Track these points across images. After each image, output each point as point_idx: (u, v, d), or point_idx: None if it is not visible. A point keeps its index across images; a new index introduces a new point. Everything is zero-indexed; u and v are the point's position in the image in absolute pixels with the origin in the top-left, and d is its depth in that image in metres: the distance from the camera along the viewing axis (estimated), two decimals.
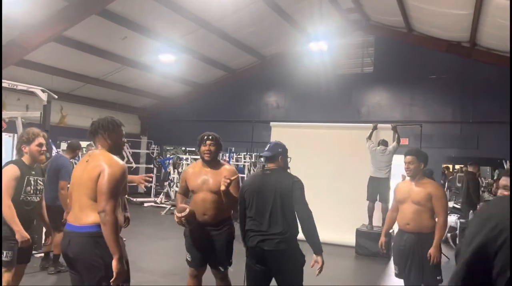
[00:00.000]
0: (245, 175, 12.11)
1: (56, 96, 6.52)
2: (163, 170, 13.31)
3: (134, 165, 13.01)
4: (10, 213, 3.21)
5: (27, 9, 7.57)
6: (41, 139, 3.48)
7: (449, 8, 8.28)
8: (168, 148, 16.86)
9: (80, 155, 6.24)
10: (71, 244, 2.50)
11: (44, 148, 3.50)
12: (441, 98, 10.80)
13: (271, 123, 9.16)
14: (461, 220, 7.30)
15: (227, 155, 12.66)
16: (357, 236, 7.27)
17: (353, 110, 11.67)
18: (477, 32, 9.04)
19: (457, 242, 6.80)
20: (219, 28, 10.31)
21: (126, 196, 3.19)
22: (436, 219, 3.69)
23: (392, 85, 11.45)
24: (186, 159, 13.31)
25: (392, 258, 6.78)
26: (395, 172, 7.62)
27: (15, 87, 6.23)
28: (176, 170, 12.67)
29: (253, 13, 9.81)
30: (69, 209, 2.69)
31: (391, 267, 6.53)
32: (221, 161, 3.69)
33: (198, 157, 13.34)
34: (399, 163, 7.97)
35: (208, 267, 3.59)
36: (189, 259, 3.56)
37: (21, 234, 3.22)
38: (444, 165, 13.51)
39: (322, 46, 10.35)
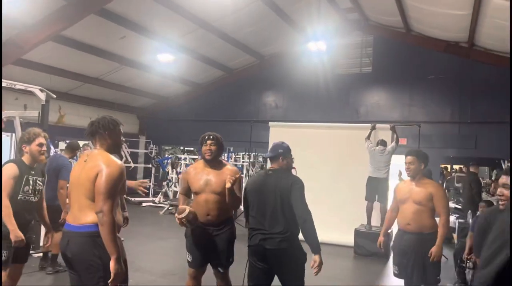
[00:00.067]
0: (243, 175, 12.10)
1: (55, 96, 6.50)
2: (161, 170, 13.30)
3: (132, 165, 12.99)
4: (6, 212, 3.19)
5: (25, 8, 7.55)
6: (41, 139, 3.47)
7: (447, 9, 8.29)
8: (166, 148, 16.85)
9: (78, 155, 6.22)
10: (70, 244, 2.50)
11: (44, 148, 3.49)
12: (440, 98, 10.82)
13: (270, 123, 9.16)
14: (459, 220, 7.29)
15: (226, 154, 12.66)
16: (355, 236, 7.27)
17: (351, 110, 11.68)
18: (476, 33, 9.05)
19: (456, 242, 6.79)
20: (217, 28, 10.30)
21: (125, 195, 3.19)
22: (438, 219, 3.71)
23: (391, 85, 11.46)
24: (185, 159, 13.31)
25: (391, 258, 6.82)
26: (392, 171, 7.63)
27: (13, 86, 6.22)
28: (174, 170, 12.67)
29: (251, 13, 9.81)
30: (68, 208, 2.69)
31: (390, 267, 6.53)
32: (223, 161, 3.66)
33: (197, 156, 13.32)
34: (395, 162, 8.02)
35: (208, 267, 3.58)
36: (189, 259, 3.54)
37: (15, 233, 3.20)
38: (443, 165, 13.55)
39: (320, 46, 10.34)
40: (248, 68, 13.16)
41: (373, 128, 7.85)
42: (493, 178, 13.45)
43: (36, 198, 3.51)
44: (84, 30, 8.91)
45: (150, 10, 8.89)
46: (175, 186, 12.58)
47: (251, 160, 14.63)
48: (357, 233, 7.28)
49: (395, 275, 3.92)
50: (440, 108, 10.80)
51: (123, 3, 8.43)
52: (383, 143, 7.49)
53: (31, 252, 4.55)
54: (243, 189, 3.41)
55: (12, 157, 7.65)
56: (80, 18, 8.17)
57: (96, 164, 2.50)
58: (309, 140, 8.26)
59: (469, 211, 7.50)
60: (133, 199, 12.06)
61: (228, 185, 3.24)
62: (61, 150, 7.20)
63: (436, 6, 8.41)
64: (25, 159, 3.45)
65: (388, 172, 7.42)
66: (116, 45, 10.05)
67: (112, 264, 2.38)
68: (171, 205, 10.94)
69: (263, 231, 3.12)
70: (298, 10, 10.30)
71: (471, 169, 8.44)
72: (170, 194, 12.44)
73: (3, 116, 6.18)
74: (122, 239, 2.66)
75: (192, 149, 17.24)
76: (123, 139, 2.81)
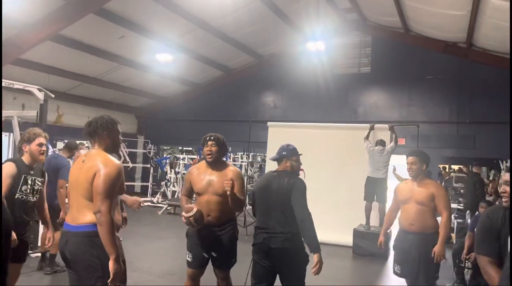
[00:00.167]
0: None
1: (53, 95, 6.49)
2: (159, 170, 13.29)
3: (130, 165, 12.98)
4: None
5: (24, 8, 7.53)
6: (41, 139, 3.48)
7: (446, 9, 8.30)
8: (165, 148, 16.83)
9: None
10: (68, 243, 2.50)
11: (44, 148, 3.50)
12: (438, 98, 10.83)
13: (268, 123, 9.16)
14: (458, 220, 7.31)
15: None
16: (354, 236, 7.27)
17: (350, 111, 11.68)
18: (474, 33, 9.07)
19: (454, 242, 6.81)
20: (216, 28, 10.30)
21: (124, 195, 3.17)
22: (439, 218, 3.73)
23: (389, 85, 11.47)
24: (183, 159, 13.30)
25: (390, 258, 6.83)
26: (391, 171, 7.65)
27: (11, 86, 6.20)
28: (173, 170, 12.66)
29: (250, 13, 9.80)
30: (67, 208, 2.68)
31: (389, 267, 6.54)
32: (226, 162, 3.64)
33: (195, 156, 13.29)
34: (395, 162, 8.03)
35: (209, 267, 3.56)
36: (189, 259, 3.52)
37: None
38: (441, 166, 13.57)
39: (319, 46, 10.35)
40: (247, 68, 13.16)
41: (372, 128, 7.85)
42: (490, 178, 13.48)
43: (34, 198, 3.50)
44: (82, 30, 8.89)
45: (148, 10, 8.88)
46: (173, 186, 12.58)
47: (250, 160, 14.64)
48: (356, 233, 7.28)
49: (396, 274, 3.94)
50: (439, 108, 10.82)
51: (122, 3, 8.42)
52: (382, 143, 7.49)
53: (29, 252, 4.54)
54: (252, 189, 3.45)
55: (10, 157, 7.63)
56: (78, 17, 8.15)
57: (93, 164, 2.49)
58: (308, 141, 8.24)
59: (468, 211, 7.52)
60: None
61: (227, 190, 3.24)
62: (59, 150, 7.19)
63: (434, 7, 8.42)
64: (25, 158, 3.45)
65: (387, 172, 7.43)
66: (115, 45, 10.03)
67: (111, 264, 2.38)
68: (169, 205, 10.94)
69: (267, 230, 3.19)
70: (297, 10, 10.30)
71: (474, 170, 8.42)
72: (169, 194, 12.43)
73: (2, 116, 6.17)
74: (120, 239, 2.65)
75: (190, 148, 17.24)
76: (122, 138, 2.80)
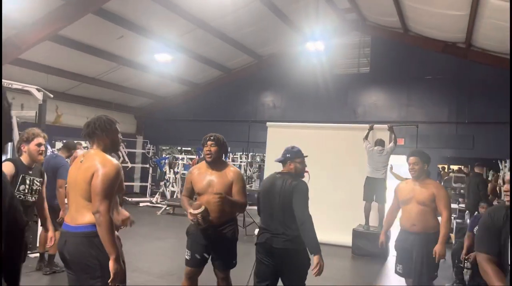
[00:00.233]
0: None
1: (52, 95, 6.48)
2: (158, 170, 13.28)
3: (129, 165, 12.96)
4: None
5: (22, 8, 7.52)
6: (40, 140, 3.49)
7: (445, 9, 8.31)
8: (164, 148, 16.83)
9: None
10: (67, 244, 2.49)
11: (42, 148, 3.50)
12: (437, 98, 10.84)
13: (268, 123, 9.15)
14: (457, 220, 7.31)
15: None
16: (353, 236, 7.27)
17: (349, 111, 11.68)
18: (473, 33, 9.07)
19: (454, 242, 6.81)
20: (215, 28, 10.29)
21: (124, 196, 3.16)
22: (440, 218, 3.75)
23: (389, 85, 11.48)
24: (182, 159, 13.29)
25: (389, 258, 6.83)
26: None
27: (10, 86, 6.19)
28: (172, 170, 12.65)
29: (250, 13, 9.80)
30: (66, 208, 2.68)
31: (388, 267, 6.55)
32: (226, 162, 3.63)
33: (194, 156, 13.28)
34: (394, 162, 8.02)
35: (209, 267, 3.55)
36: (187, 257, 3.51)
37: None
38: (441, 165, 13.58)
39: (318, 46, 10.35)
40: (246, 68, 13.15)
41: (371, 128, 7.85)
42: (489, 178, 13.49)
43: (33, 198, 3.50)
44: (81, 30, 8.88)
45: (147, 10, 8.87)
46: (172, 186, 12.57)
47: (249, 160, 14.64)
48: (355, 233, 7.28)
49: (399, 274, 3.97)
50: (438, 108, 10.83)
51: (121, 3, 8.41)
52: (381, 143, 7.48)
53: (28, 252, 4.53)
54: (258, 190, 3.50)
55: (8, 157, 7.61)
56: (78, 17, 8.14)
57: (91, 164, 2.49)
58: (307, 141, 8.20)
59: (467, 211, 7.52)
60: (130, 199, 12.04)
61: (218, 203, 3.26)
62: (58, 150, 7.18)
63: (433, 7, 8.43)
64: (24, 158, 3.45)
65: (386, 172, 7.43)
66: (114, 44, 10.02)
67: (111, 264, 2.38)
68: (168, 205, 10.93)
69: (270, 230, 3.24)
70: (296, 10, 10.30)
71: (476, 170, 8.33)
72: (168, 194, 12.43)
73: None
74: (120, 238, 2.65)
75: (189, 149, 17.24)
76: (121, 138, 2.80)
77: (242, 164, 14.45)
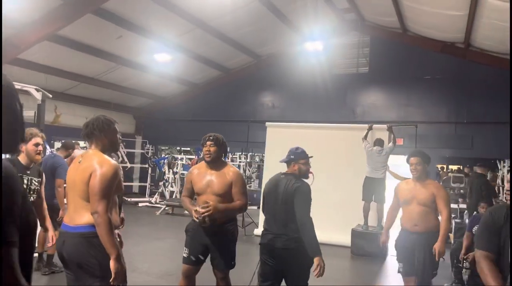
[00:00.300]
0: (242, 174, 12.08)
1: (51, 95, 6.48)
2: (158, 170, 13.28)
3: (128, 165, 12.95)
4: None
5: (21, 7, 7.51)
6: (38, 139, 3.49)
7: (444, 9, 8.32)
8: (163, 148, 16.82)
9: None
10: (66, 244, 2.49)
11: (40, 148, 3.50)
12: (436, 98, 10.85)
13: (267, 123, 9.15)
14: (456, 220, 7.32)
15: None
16: (352, 236, 7.28)
17: (348, 111, 11.69)
18: (472, 33, 9.09)
19: (452, 242, 6.81)
20: (214, 28, 10.29)
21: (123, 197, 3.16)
22: (439, 216, 3.81)
23: (388, 85, 11.49)
24: (181, 159, 13.29)
25: (388, 258, 6.84)
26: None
27: None
28: (171, 170, 12.64)
29: (249, 13, 9.80)
30: (65, 208, 2.68)
31: (387, 267, 6.56)
32: (226, 162, 3.62)
33: (193, 156, 13.25)
34: (392, 162, 8.02)
35: (208, 267, 3.55)
36: (185, 255, 3.51)
37: None
38: (440, 166, 13.60)
39: (317, 46, 10.35)
40: (245, 68, 13.15)
41: (370, 128, 7.85)
42: (488, 178, 13.50)
43: (31, 197, 3.50)
44: (80, 30, 8.88)
45: (146, 10, 8.87)
46: (171, 186, 12.56)
47: (248, 160, 14.64)
48: (354, 233, 7.28)
49: (401, 273, 4.01)
50: (437, 108, 10.84)
51: (120, 2, 8.41)
52: (380, 143, 7.49)
53: None
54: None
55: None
56: (76, 17, 8.14)
57: (89, 164, 2.49)
58: (306, 141, 8.14)
59: (465, 211, 7.52)
60: (129, 199, 12.02)
61: (207, 214, 3.25)
62: (57, 149, 7.18)
63: (432, 7, 8.44)
64: (21, 158, 3.45)
65: (385, 172, 7.43)
66: (113, 44, 10.02)
67: (112, 264, 2.38)
68: (167, 205, 10.92)
69: (272, 231, 3.29)
70: (295, 10, 10.30)
71: (478, 170, 8.27)
72: (167, 194, 12.42)
73: None
74: (119, 238, 2.65)
75: (188, 149, 17.24)
76: (120, 138, 2.81)
77: (241, 164, 14.46)
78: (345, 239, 7.33)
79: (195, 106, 13.57)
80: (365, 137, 7.68)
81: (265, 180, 8.63)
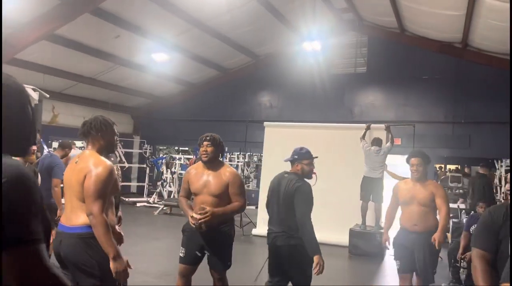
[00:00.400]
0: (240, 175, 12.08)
1: (48, 95, 6.47)
2: (155, 170, 13.27)
3: (126, 165, 12.93)
4: None
5: (18, 7, 7.49)
6: None
7: (441, 9, 8.33)
8: (161, 148, 16.81)
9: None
10: (62, 244, 2.49)
11: (34, 148, 3.49)
12: (434, 98, 10.87)
13: (265, 123, 9.15)
14: (453, 220, 7.32)
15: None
16: (350, 236, 7.28)
17: (346, 110, 11.70)
18: (470, 33, 9.11)
19: (450, 241, 6.82)
20: (212, 28, 10.28)
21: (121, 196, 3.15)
22: (438, 211, 3.85)
23: (385, 85, 11.50)
24: (179, 159, 13.28)
25: (386, 258, 6.84)
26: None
27: None
28: (169, 170, 12.63)
29: (246, 13, 9.80)
30: (63, 207, 2.68)
31: (385, 266, 6.56)
32: (223, 162, 3.61)
33: (191, 156, 13.25)
34: (390, 162, 8.03)
35: (201, 268, 3.55)
36: (182, 255, 3.50)
37: None
38: (438, 165, 13.62)
39: (315, 46, 10.36)
40: (243, 68, 13.15)
41: (368, 128, 7.86)
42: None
43: None
44: (78, 29, 8.86)
45: (144, 9, 8.85)
46: (169, 186, 12.55)
47: (246, 160, 14.64)
48: (352, 233, 7.29)
49: (398, 270, 4.05)
50: (435, 108, 10.86)
51: (117, 2, 8.39)
52: (378, 142, 7.49)
53: None
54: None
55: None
56: (74, 17, 8.12)
57: (85, 165, 2.50)
58: (304, 140, 8.13)
59: (463, 211, 7.53)
60: (127, 199, 12.01)
61: (205, 219, 3.24)
62: (54, 149, 7.17)
63: (430, 7, 8.45)
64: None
65: (383, 172, 7.44)
66: (110, 44, 10.00)
67: (111, 264, 2.39)
68: (165, 205, 10.91)
69: (274, 229, 3.38)
70: (293, 10, 10.31)
71: (481, 171, 8.22)
72: (165, 194, 12.41)
73: None
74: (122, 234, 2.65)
75: (186, 148, 17.22)
76: (117, 139, 2.80)
77: (240, 163, 14.45)
78: (343, 239, 7.33)
79: (193, 106, 13.56)
80: (363, 137, 7.68)
81: (263, 179, 8.65)
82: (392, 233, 4.17)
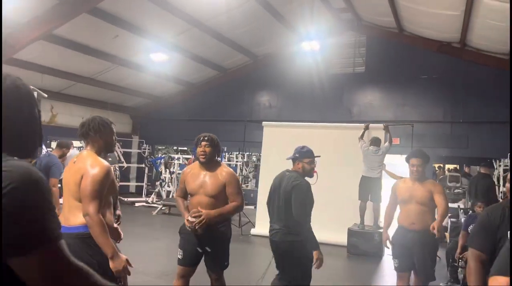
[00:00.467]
0: (236, 174, 12.09)
1: (46, 95, 6.45)
2: (154, 170, 13.26)
3: (125, 165, 12.92)
4: None
5: (17, 7, 7.48)
6: None
7: (440, 9, 8.34)
8: (159, 147, 16.80)
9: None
10: None
11: None
12: (432, 98, 10.89)
13: (263, 123, 9.15)
14: (452, 220, 7.34)
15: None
16: (349, 235, 7.29)
17: (345, 110, 11.71)
18: (468, 33, 9.12)
19: (448, 241, 6.84)
20: (211, 28, 10.28)
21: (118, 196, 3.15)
22: (437, 206, 3.88)
23: (384, 85, 11.51)
24: (178, 159, 13.28)
25: (384, 257, 6.86)
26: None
27: None
28: (167, 170, 12.63)
29: (245, 13, 9.80)
30: (61, 207, 2.69)
31: (383, 266, 6.58)
32: (220, 162, 3.60)
33: (190, 156, 13.27)
34: (389, 162, 8.04)
35: (199, 268, 3.55)
36: (180, 256, 3.50)
37: None
38: (437, 165, 13.65)
39: (314, 46, 10.38)
40: (242, 68, 13.15)
41: (367, 128, 7.87)
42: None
43: None
44: (76, 29, 8.85)
45: (143, 9, 8.85)
46: (168, 186, 12.55)
47: (245, 160, 14.65)
48: (350, 232, 7.30)
49: (395, 268, 4.07)
50: (433, 108, 10.87)
51: (116, 2, 8.38)
52: (376, 142, 7.49)
53: None
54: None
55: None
56: (72, 17, 8.11)
57: (82, 166, 2.51)
58: (302, 140, 8.13)
59: (461, 210, 7.55)
60: (126, 199, 12.00)
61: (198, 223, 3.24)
62: (52, 149, 7.17)
63: (428, 7, 8.47)
64: None
65: (382, 172, 7.45)
66: (109, 44, 9.99)
67: (110, 263, 2.41)
68: (164, 205, 10.91)
69: (274, 226, 3.48)
70: (292, 10, 10.31)
71: (483, 170, 8.18)
72: (163, 194, 12.41)
73: None
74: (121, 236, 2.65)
75: (185, 148, 17.23)
76: (116, 139, 2.81)
77: (238, 163, 14.46)
78: (341, 238, 7.34)
79: (192, 106, 13.56)
80: (362, 137, 7.69)
81: (262, 179, 8.65)
82: (391, 232, 4.19)
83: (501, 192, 9.77)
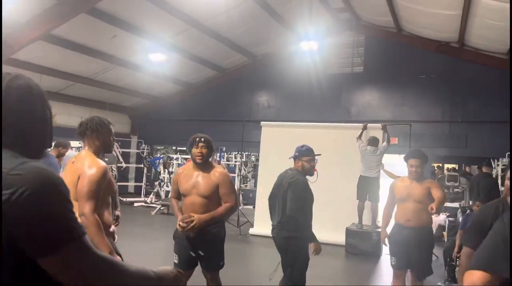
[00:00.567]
0: (235, 174, 12.11)
1: None
2: (153, 170, 13.26)
3: (124, 165, 12.92)
4: None
5: (15, 7, 7.47)
6: None
7: (438, 9, 8.36)
8: (158, 148, 16.79)
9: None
10: None
11: None
12: (431, 97, 10.90)
13: (262, 123, 9.16)
14: (449, 219, 7.36)
15: (218, 154, 12.64)
16: (347, 235, 7.30)
17: (343, 110, 11.71)
18: (466, 33, 9.14)
19: (446, 240, 6.86)
20: (209, 28, 10.28)
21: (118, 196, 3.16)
22: (434, 198, 3.89)
23: (382, 85, 11.52)
24: (177, 159, 13.27)
25: (382, 257, 6.87)
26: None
27: None
28: (166, 170, 12.63)
29: (244, 13, 9.81)
30: None
31: (381, 265, 6.59)
32: (213, 163, 3.58)
33: (189, 156, 13.30)
34: (387, 161, 8.05)
35: (198, 268, 3.56)
36: (176, 261, 3.49)
37: None
38: (436, 165, 13.65)
39: (312, 46, 10.37)
40: (240, 68, 13.16)
41: (365, 128, 7.88)
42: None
43: None
44: (75, 30, 8.85)
45: (141, 9, 8.85)
46: (167, 186, 12.55)
47: (244, 160, 14.64)
48: (348, 232, 7.31)
49: (392, 266, 4.11)
50: (431, 107, 10.89)
51: (114, 2, 8.39)
52: (374, 141, 7.50)
53: None
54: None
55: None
56: (70, 17, 8.11)
57: (79, 166, 2.53)
58: (301, 140, 8.09)
59: (459, 209, 7.57)
60: (125, 199, 12.00)
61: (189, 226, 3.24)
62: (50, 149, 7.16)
63: (427, 7, 8.48)
64: None
65: (380, 171, 7.46)
66: (107, 44, 9.99)
67: None
68: (163, 205, 10.91)
69: (273, 223, 3.63)
70: (290, 10, 10.32)
71: (484, 170, 8.17)
72: (162, 194, 12.40)
73: None
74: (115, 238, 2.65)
75: (184, 148, 17.19)
76: (114, 139, 2.81)
77: (237, 163, 14.45)
78: (339, 238, 7.35)
79: (190, 106, 13.56)
80: (360, 136, 7.70)
81: (261, 179, 8.66)
82: (389, 230, 4.21)
83: (501, 191, 9.79)
